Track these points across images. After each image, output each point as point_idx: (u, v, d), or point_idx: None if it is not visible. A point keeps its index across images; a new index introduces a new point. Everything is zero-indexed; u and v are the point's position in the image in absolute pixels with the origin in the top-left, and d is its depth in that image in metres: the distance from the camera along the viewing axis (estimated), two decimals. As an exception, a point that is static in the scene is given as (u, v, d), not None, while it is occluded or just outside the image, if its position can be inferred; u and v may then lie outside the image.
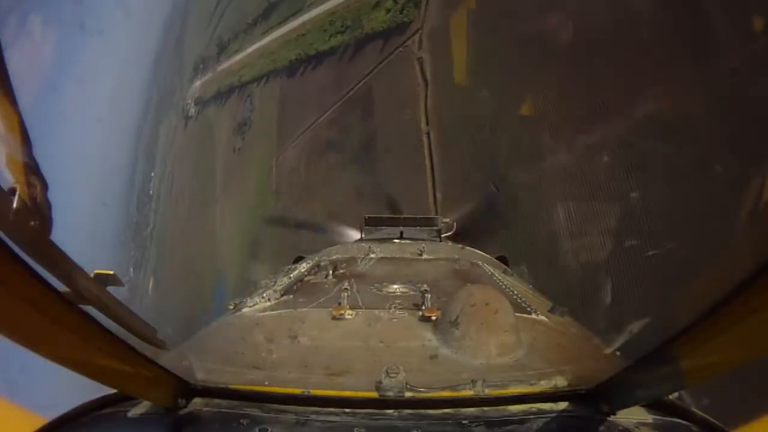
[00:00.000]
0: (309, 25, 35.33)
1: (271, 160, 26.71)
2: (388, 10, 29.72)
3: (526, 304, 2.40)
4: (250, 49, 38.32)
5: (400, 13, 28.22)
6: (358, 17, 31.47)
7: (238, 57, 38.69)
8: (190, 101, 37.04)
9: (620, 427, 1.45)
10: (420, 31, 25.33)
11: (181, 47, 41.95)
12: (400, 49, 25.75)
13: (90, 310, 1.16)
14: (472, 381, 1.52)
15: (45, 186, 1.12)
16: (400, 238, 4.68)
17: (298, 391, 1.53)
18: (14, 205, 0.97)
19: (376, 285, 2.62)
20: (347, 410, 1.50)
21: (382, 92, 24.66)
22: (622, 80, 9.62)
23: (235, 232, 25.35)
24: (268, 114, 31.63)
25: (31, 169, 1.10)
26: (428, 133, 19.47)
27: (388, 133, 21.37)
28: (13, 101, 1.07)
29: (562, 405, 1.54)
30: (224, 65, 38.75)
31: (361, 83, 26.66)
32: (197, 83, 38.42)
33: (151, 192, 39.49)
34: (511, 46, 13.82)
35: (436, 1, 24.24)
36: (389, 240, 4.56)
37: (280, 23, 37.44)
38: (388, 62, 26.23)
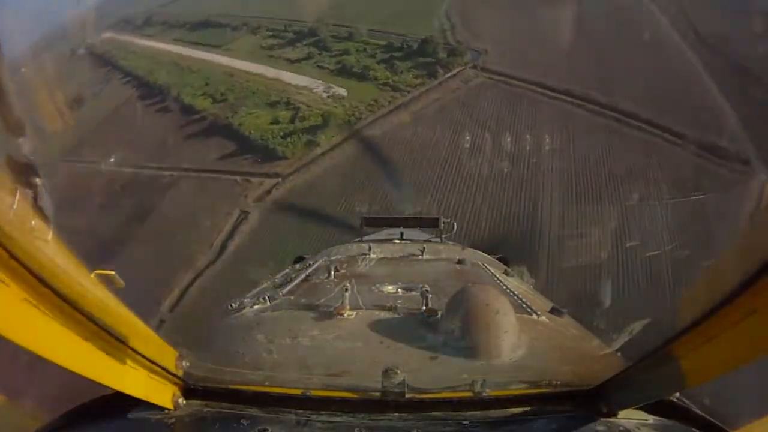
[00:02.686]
0: (202, 65, 36.80)
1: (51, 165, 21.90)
2: (277, 122, 29.48)
3: (526, 304, 2.39)
4: (149, 42, 38.56)
5: (283, 138, 27.56)
6: (242, 98, 32.31)
7: (139, 41, 38.56)
8: (87, 40, 36.15)
9: (620, 428, 1.45)
10: (280, 182, 23.56)
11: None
12: (238, 179, 24.14)
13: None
14: (473, 382, 1.52)
15: (45, 186, 1.12)
16: (401, 238, 4.68)
17: (298, 391, 1.53)
18: (14, 205, 0.97)
19: (376, 285, 2.62)
20: (347, 411, 1.50)
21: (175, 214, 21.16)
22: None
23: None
24: (95, 116, 30.08)
25: (32, 169, 1.10)
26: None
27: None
28: (12, 101, 1.07)
29: (562, 405, 1.54)
30: (127, 37, 38.38)
31: (172, 173, 24.53)
32: (106, 34, 37.93)
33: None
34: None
35: (329, 160, 24.78)
36: (390, 240, 4.56)
37: (190, 43, 38.87)
38: (215, 179, 24.90)
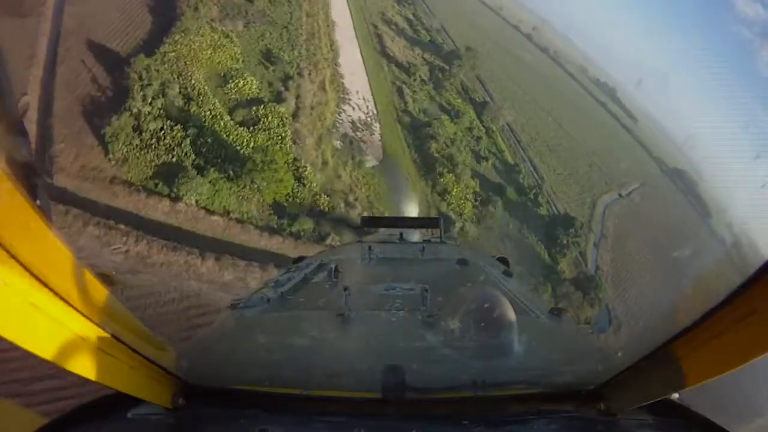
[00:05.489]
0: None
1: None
2: (223, 79, 17.12)
3: (526, 304, 2.40)
4: None
5: (180, 114, 14.60)
6: (273, 19, 22.02)
7: None
8: None
9: (620, 428, 1.45)
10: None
11: None
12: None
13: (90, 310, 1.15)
14: (473, 382, 1.52)
15: (45, 187, 1.12)
16: (401, 239, 4.68)
17: (298, 391, 1.53)
18: (14, 205, 0.97)
19: (376, 285, 2.62)
20: (347, 411, 1.50)
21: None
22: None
23: None
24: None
25: (32, 170, 1.10)
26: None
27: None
28: (11, 101, 1.07)
29: (562, 405, 1.53)
30: None
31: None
32: None
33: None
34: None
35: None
36: (390, 241, 4.56)
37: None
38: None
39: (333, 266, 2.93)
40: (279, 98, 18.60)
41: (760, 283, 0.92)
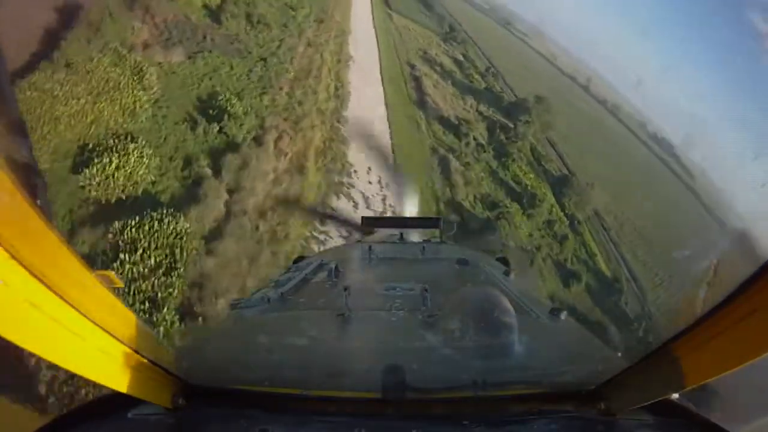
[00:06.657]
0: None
1: None
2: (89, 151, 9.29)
3: (526, 305, 2.40)
4: None
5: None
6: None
7: None
8: None
9: (620, 428, 1.45)
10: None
11: None
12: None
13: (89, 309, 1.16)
14: (473, 382, 1.52)
15: (45, 186, 1.12)
16: (401, 239, 4.68)
17: (298, 391, 1.53)
18: (14, 205, 0.97)
19: (376, 285, 2.62)
20: (347, 411, 1.50)
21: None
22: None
23: None
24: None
25: (32, 170, 1.10)
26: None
27: None
28: (12, 102, 1.07)
29: (563, 406, 1.54)
30: None
31: None
32: None
33: None
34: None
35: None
36: (390, 241, 4.57)
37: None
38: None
39: (333, 266, 2.93)
40: (191, 194, 9.31)
41: (760, 283, 0.92)
